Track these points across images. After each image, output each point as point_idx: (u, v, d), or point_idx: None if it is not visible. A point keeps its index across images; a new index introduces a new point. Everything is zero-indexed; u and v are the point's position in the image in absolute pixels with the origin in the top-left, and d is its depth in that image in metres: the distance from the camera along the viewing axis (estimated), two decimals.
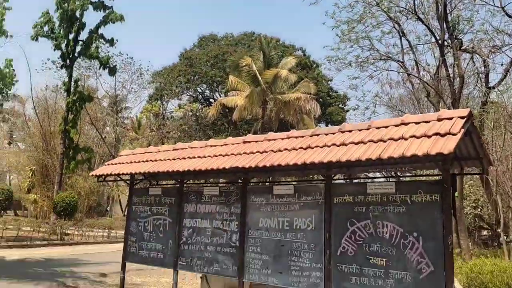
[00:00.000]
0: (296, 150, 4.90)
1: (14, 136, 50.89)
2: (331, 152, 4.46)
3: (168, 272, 10.92)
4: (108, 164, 7.33)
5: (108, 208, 43.09)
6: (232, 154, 5.53)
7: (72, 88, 22.24)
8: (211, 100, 44.91)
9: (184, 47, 46.56)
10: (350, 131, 4.81)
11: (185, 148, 6.51)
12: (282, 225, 5.22)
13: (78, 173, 34.00)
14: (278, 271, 5.11)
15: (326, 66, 19.26)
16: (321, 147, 4.68)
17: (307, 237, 4.97)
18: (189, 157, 6.05)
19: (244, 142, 5.84)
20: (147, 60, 74.86)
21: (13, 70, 16.13)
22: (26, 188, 31.39)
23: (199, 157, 5.95)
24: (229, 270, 5.61)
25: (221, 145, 6.08)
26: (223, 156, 5.62)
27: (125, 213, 40.74)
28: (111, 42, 23.37)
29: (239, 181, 5.87)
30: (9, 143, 47.15)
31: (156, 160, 6.44)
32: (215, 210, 5.98)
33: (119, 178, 7.47)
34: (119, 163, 7.20)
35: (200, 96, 45.59)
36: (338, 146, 4.54)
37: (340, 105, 43.80)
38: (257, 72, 28.49)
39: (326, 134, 4.98)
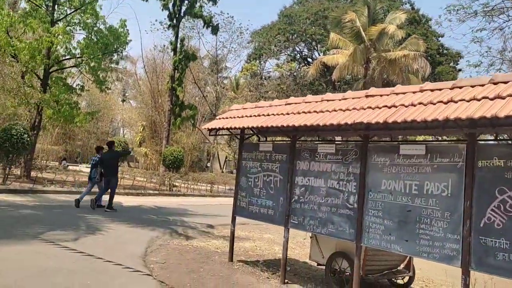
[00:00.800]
0: (434, 104, 4.24)
1: (126, 94, 55.46)
2: (483, 107, 3.75)
3: (271, 228, 11.05)
4: (219, 118, 7.30)
5: (209, 164, 45.42)
6: (353, 108, 5.03)
7: (178, 47, 23.05)
8: (309, 59, 43.85)
9: (283, 5, 45.60)
10: (506, 82, 4.00)
11: (299, 103, 6.15)
12: (410, 189, 4.67)
13: (182, 130, 36.12)
14: (403, 238, 4.64)
15: (443, 18, 17.23)
16: (468, 101, 3.97)
17: (440, 203, 4.38)
18: (303, 112, 5.69)
19: (367, 96, 5.28)
20: (247, 19, 74.84)
21: (127, 30, 17.01)
22: (138, 142, 34.22)
23: (314, 111, 5.55)
24: (345, 232, 5.27)
25: (340, 99, 5.60)
26: (343, 111, 5.15)
27: (223, 169, 42.70)
28: (214, 0, 23.55)
29: (359, 138, 5.39)
30: (123, 101, 51.50)
31: (268, 115, 6.20)
32: (330, 169, 5.61)
33: (229, 132, 7.41)
34: (230, 117, 7.11)
35: (298, 55, 44.75)
36: (492, 99, 3.80)
37: (452, 64, 39.91)
38: (361, 28, 26.81)
39: (472, 86, 4.22)
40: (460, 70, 39.53)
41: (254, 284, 5.86)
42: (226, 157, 48.12)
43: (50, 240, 6.84)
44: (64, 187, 14.34)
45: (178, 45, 23.26)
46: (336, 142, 5.91)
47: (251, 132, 7.17)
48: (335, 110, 5.25)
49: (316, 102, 5.93)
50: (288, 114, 5.90)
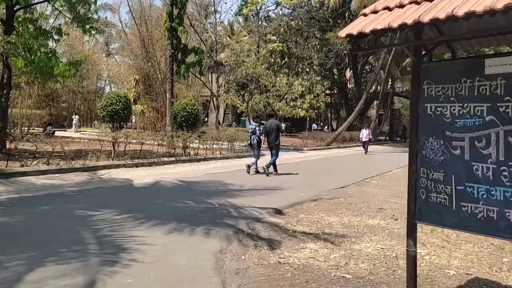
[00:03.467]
0: None
1: (111, 47, 50.20)
2: None
3: (372, 212, 7.51)
4: (364, 15, 3.45)
5: (206, 119, 41.52)
6: None
7: None
8: None
9: None
10: None
11: None
12: None
13: (179, 81, 31.80)
14: None
15: None
16: None
17: None
18: None
19: None
20: None
21: None
22: (132, 99, 29.95)
23: None
24: None
25: None
26: None
27: (222, 123, 38.79)
28: None
29: None
30: (108, 55, 46.44)
31: None
32: None
33: (387, 34, 3.58)
34: (377, 11, 3.27)
35: None
36: None
37: None
38: None
39: None
40: None
41: None
42: (224, 110, 44.13)
43: None
44: (51, 164, 10.49)
45: None
46: None
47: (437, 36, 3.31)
48: None
49: None
50: None
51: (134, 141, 12.39)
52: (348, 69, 39.63)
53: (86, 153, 11.46)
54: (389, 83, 33.23)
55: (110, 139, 11.83)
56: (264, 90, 25.21)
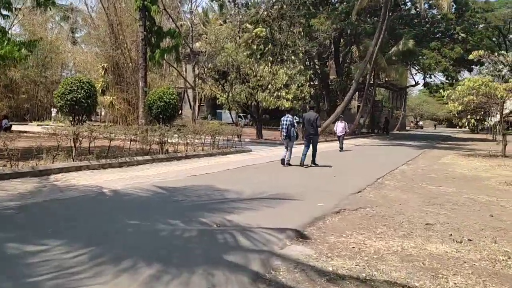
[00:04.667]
0: None
1: (77, 36, 46.86)
2: None
3: (420, 230, 5.67)
4: None
5: (180, 112, 39.15)
6: None
7: None
8: None
9: None
10: None
11: None
12: None
13: (152, 70, 29.30)
14: None
15: None
16: None
17: None
18: None
19: None
20: None
21: None
22: (100, 90, 27.31)
23: None
24: None
25: None
26: None
27: (198, 116, 36.50)
28: None
29: None
30: (73, 43, 43.11)
31: None
32: None
33: None
34: None
35: None
36: None
37: None
38: None
39: None
40: None
41: None
42: (199, 103, 41.79)
43: None
44: (5, 166, 8.18)
45: None
46: None
47: None
48: None
49: None
50: None
51: (102, 136, 10.14)
52: (330, 59, 38.00)
53: (40, 152, 9.18)
54: (373, 73, 31.76)
55: (71, 133, 9.56)
56: (246, 80, 23.14)
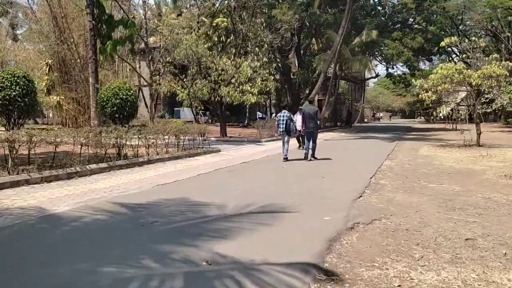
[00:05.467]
0: None
1: (18, 33, 43.13)
2: None
3: (464, 249, 4.45)
4: None
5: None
6: None
7: None
8: None
9: None
10: None
11: None
12: None
13: (104, 66, 27.00)
14: None
15: None
16: None
17: None
18: None
19: None
20: None
21: None
22: (45, 89, 24.73)
23: None
24: None
25: None
26: None
27: (154, 114, 34.36)
28: None
29: None
30: (14, 40, 39.51)
31: None
32: None
33: None
34: None
35: None
36: None
37: None
38: None
39: None
40: None
41: None
42: (156, 100, 39.44)
43: None
44: None
45: None
46: None
47: None
48: None
49: None
50: None
51: (45, 141, 8.31)
52: (291, 52, 37.01)
53: None
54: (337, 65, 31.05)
55: (4, 140, 7.70)
56: (207, 74, 21.54)
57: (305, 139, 12.49)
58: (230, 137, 22.43)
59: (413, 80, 18.12)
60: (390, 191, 7.68)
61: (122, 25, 15.39)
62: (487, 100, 17.80)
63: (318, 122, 12.52)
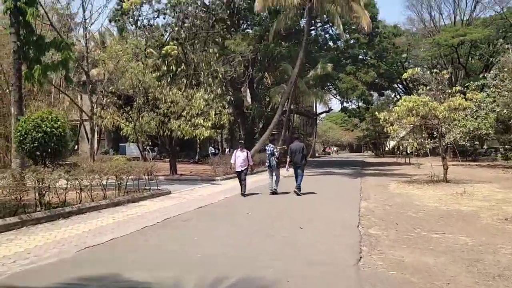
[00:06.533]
0: None
1: None
2: None
3: None
4: None
5: (76, 147, 33.76)
6: None
7: None
8: None
9: None
10: None
11: None
12: None
13: (39, 98, 24.24)
14: None
15: None
16: None
17: None
18: None
19: None
20: None
21: None
22: None
23: None
24: None
25: None
26: None
27: (98, 151, 31.47)
28: None
29: None
30: None
31: None
32: None
33: None
34: None
35: None
36: None
37: None
38: None
39: None
40: None
41: None
42: (99, 135, 36.47)
43: None
44: None
45: None
46: None
47: None
48: None
49: None
50: None
51: None
52: (244, 85, 35.91)
53: None
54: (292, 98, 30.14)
55: None
56: (155, 106, 19.53)
57: (294, 175, 12.63)
58: (181, 175, 20.32)
59: (376, 113, 17.20)
60: (390, 246, 6.09)
61: (53, 47, 13.18)
62: (436, 135, 17.17)
63: (305, 159, 12.91)
